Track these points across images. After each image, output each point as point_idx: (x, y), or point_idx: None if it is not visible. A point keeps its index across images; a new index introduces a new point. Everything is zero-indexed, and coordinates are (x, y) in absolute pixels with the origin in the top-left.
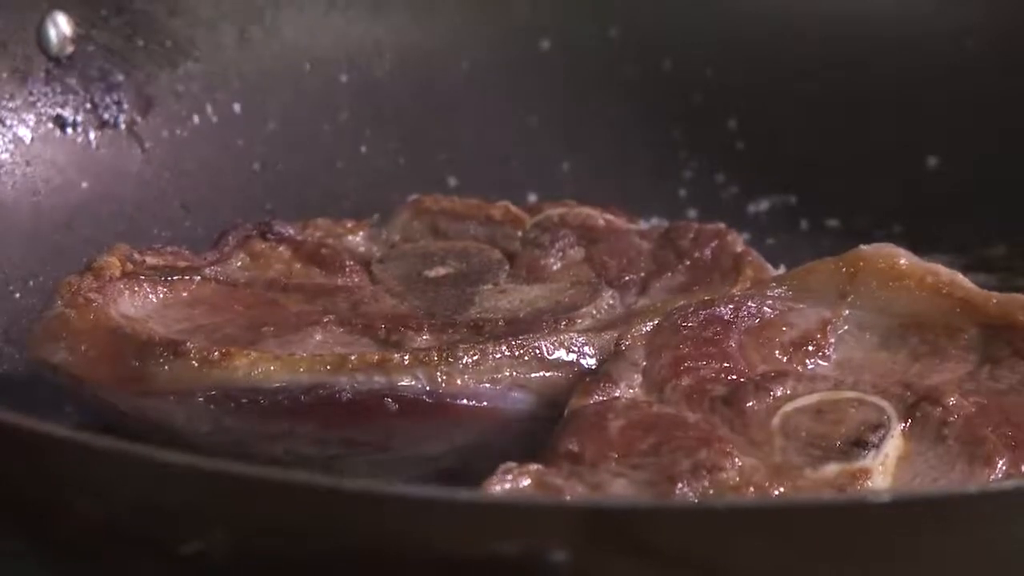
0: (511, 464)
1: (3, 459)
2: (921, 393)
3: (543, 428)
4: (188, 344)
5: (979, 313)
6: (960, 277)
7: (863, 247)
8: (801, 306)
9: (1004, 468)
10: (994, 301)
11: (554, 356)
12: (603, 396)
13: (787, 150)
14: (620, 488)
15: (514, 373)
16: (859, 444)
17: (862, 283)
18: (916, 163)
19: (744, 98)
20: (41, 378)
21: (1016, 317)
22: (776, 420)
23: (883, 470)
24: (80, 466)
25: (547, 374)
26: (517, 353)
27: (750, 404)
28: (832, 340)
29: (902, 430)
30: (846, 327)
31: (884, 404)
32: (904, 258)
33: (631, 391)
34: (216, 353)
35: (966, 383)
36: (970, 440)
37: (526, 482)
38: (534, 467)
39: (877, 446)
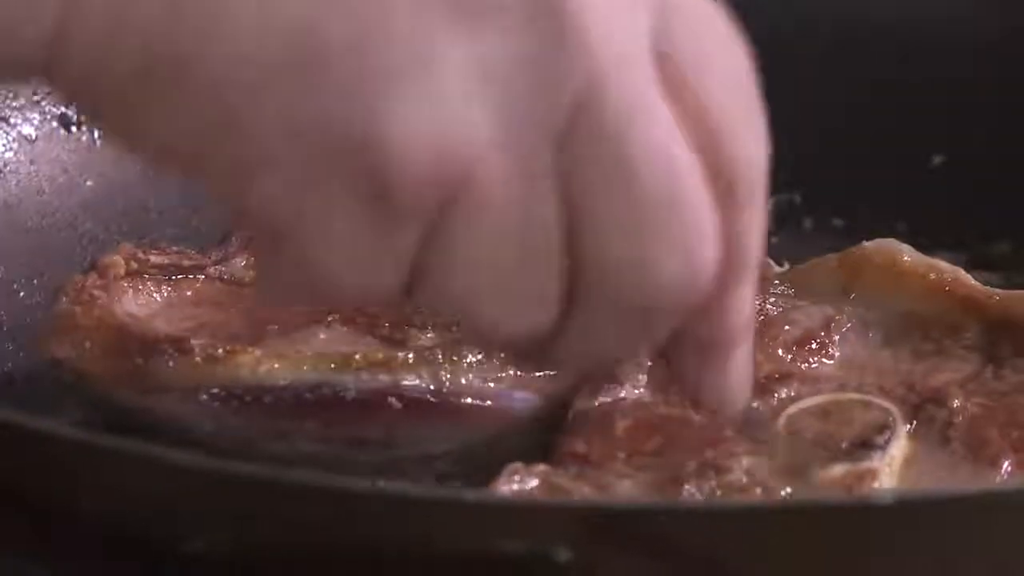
0: (518, 464)
1: (4, 457)
2: (926, 395)
3: (547, 428)
4: (192, 342)
5: (981, 310)
6: (963, 274)
7: (866, 244)
8: (804, 304)
9: (1009, 469)
10: (996, 298)
11: None
12: (608, 397)
13: (790, 149)
14: (627, 489)
15: (518, 372)
16: (865, 445)
17: (864, 280)
18: (921, 161)
19: None
20: (44, 376)
21: (1019, 314)
22: (781, 421)
23: (889, 471)
24: (82, 465)
25: (551, 373)
26: None
27: (755, 405)
28: (836, 338)
29: (907, 432)
30: (849, 325)
31: (889, 406)
32: (907, 255)
33: (636, 392)
34: (221, 351)
35: (970, 383)
36: (975, 442)
37: (534, 483)
38: (541, 467)
39: (883, 447)
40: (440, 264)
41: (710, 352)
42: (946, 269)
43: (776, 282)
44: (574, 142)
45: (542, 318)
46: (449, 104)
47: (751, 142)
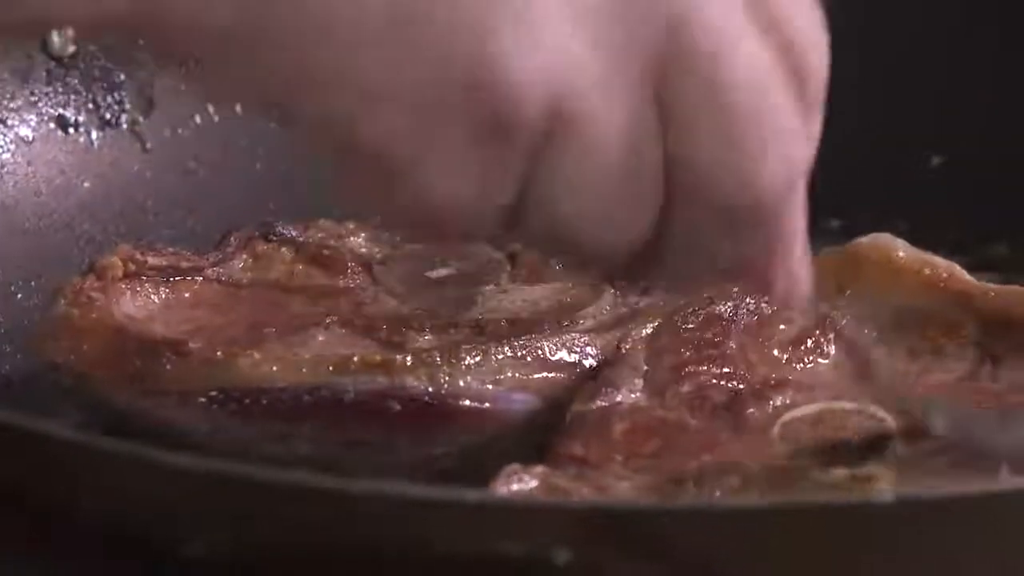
0: (516, 466)
1: (5, 458)
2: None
3: (545, 429)
4: (191, 344)
5: (977, 306)
6: (958, 269)
7: (860, 240)
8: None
9: (1008, 469)
10: (992, 294)
11: (556, 357)
12: (605, 401)
13: None
14: (624, 491)
15: (516, 374)
16: (862, 449)
17: (859, 277)
18: (919, 162)
19: None
20: (42, 379)
21: (1014, 310)
22: (776, 429)
23: (887, 474)
24: (82, 467)
25: (549, 375)
26: (520, 354)
27: (751, 411)
28: (831, 336)
29: (903, 435)
30: (844, 322)
31: (884, 415)
32: (902, 250)
33: (632, 396)
34: (219, 354)
35: (965, 382)
36: None
37: (533, 484)
38: (539, 469)
39: (879, 454)
40: (550, 189)
41: (779, 244)
42: (941, 264)
43: None
44: (668, 63)
45: (642, 230)
46: (553, 43)
47: (818, 49)
